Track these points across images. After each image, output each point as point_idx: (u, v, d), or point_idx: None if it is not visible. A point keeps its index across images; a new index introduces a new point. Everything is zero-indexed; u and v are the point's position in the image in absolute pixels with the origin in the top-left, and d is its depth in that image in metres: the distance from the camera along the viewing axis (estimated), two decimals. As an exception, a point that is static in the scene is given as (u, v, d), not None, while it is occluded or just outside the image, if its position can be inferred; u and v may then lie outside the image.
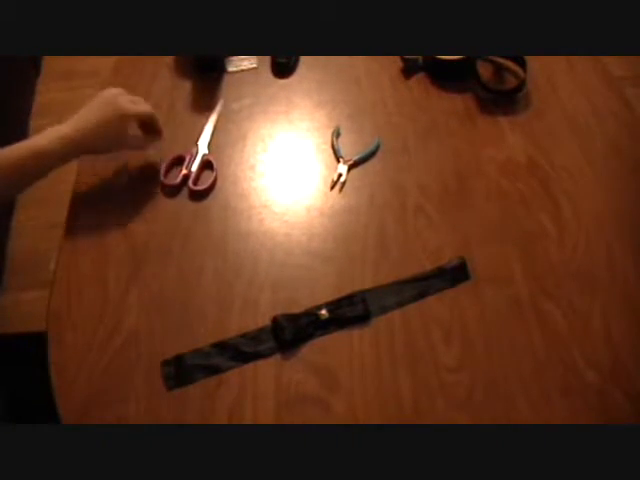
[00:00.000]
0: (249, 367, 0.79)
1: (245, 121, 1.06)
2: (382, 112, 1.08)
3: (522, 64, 1.11)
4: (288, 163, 1.02)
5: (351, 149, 1.03)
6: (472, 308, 0.84)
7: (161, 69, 1.14)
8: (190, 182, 0.97)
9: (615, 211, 0.95)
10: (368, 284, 0.86)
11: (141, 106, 0.94)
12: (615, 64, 1.25)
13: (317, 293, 0.85)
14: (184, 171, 0.98)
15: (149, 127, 0.97)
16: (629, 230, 0.92)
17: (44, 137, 0.85)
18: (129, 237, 0.91)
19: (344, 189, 0.97)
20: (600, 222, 0.93)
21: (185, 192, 0.97)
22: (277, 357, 0.80)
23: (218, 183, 0.98)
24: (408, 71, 1.13)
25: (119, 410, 0.75)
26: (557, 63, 1.15)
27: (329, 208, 0.95)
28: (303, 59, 1.16)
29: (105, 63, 1.18)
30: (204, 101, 1.09)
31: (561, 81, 1.12)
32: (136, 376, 0.78)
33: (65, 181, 0.96)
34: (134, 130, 0.95)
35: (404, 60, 1.14)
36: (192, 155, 1.00)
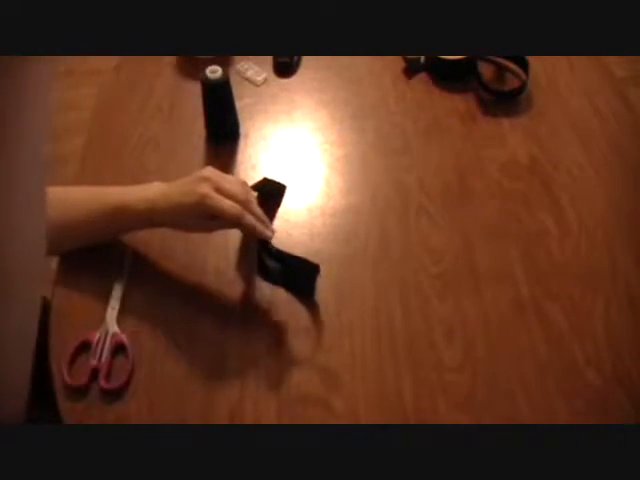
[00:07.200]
0: (249, 367, 0.79)
1: (246, 120, 1.06)
2: (384, 111, 1.08)
3: (524, 65, 1.10)
4: (289, 162, 1.02)
5: (353, 149, 1.03)
6: (473, 308, 0.84)
7: (163, 69, 1.14)
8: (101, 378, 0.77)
9: (617, 211, 0.95)
10: (369, 283, 0.86)
11: (226, 203, 0.77)
12: (617, 64, 1.25)
13: (318, 292, 0.85)
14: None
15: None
16: (631, 230, 0.92)
17: (131, 194, 0.81)
18: (131, 235, 0.91)
19: (345, 189, 0.97)
20: (602, 222, 0.93)
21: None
22: (278, 356, 0.80)
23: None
24: (410, 71, 1.13)
25: (119, 410, 0.75)
26: (558, 63, 1.15)
27: (330, 208, 0.95)
28: (305, 59, 1.16)
29: (106, 62, 1.17)
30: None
31: (562, 81, 1.12)
32: (137, 375, 0.78)
33: (66, 181, 0.96)
34: None
35: (406, 60, 1.14)
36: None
